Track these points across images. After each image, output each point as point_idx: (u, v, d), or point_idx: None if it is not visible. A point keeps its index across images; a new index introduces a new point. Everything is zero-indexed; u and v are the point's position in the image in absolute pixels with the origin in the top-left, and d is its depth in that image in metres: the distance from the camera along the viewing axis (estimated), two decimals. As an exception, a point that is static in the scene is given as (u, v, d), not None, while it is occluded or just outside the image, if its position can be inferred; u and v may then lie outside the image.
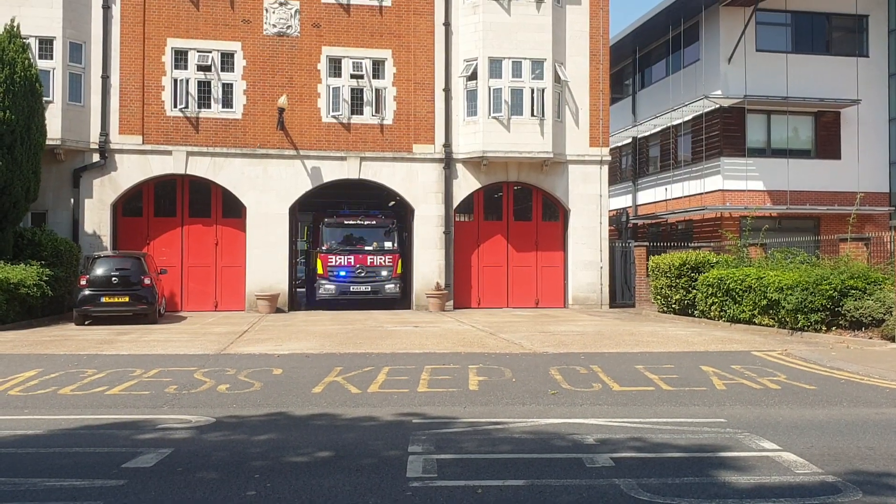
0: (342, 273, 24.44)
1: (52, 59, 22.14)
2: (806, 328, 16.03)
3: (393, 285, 24.58)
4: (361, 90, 24.37)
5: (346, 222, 25.25)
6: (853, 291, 15.66)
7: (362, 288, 24.40)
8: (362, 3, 24.36)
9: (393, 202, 26.70)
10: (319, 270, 24.79)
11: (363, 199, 27.58)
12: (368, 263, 24.54)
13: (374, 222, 25.28)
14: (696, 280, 20.40)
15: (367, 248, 24.84)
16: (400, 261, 24.93)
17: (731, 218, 27.03)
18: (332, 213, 25.37)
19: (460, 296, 25.11)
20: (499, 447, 6.75)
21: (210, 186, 24.03)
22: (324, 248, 24.69)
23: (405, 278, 25.03)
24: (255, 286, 23.60)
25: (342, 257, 24.53)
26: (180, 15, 23.53)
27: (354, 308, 24.06)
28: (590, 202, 25.36)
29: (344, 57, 24.23)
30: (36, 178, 20.02)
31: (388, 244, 24.97)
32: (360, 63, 24.16)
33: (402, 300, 25.17)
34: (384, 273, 24.60)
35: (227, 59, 23.78)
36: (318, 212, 26.22)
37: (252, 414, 8.24)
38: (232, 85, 23.80)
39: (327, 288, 24.39)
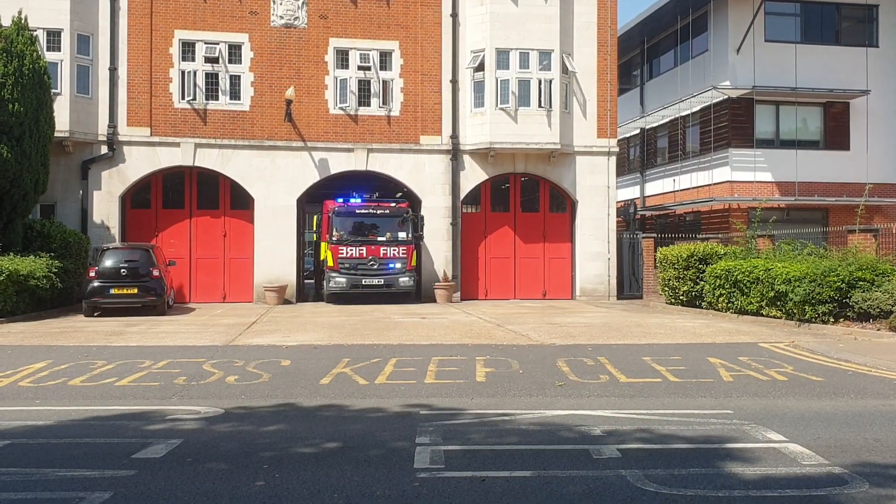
0: (354, 265, 22.90)
1: (59, 51, 22.20)
2: (813, 320, 16.00)
3: (407, 278, 23.11)
4: (369, 82, 24.35)
5: (357, 211, 23.62)
6: (861, 283, 15.61)
7: (375, 281, 22.87)
8: (369, -5, 24.34)
9: (400, 193, 26.66)
10: (329, 263, 23.14)
11: (370, 191, 27.44)
12: (381, 255, 22.96)
13: (387, 211, 23.68)
14: (703, 272, 20.37)
15: (380, 238, 23.24)
16: (415, 252, 23.53)
17: (739, 209, 26.95)
18: (343, 201, 23.84)
19: (468, 287, 25.13)
20: (506, 438, 6.78)
21: (218, 178, 24.09)
22: (334, 238, 23.07)
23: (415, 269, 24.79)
24: (262, 278, 23.67)
25: (353, 248, 22.89)
26: (187, 6, 23.54)
27: (366, 302, 22.93)
28: (597, 193, 25.32)
29: (351, 48, 24.22)
30: (45, 170, 20.10)
31: (402, 234, 23.32)
32: (368, 54, 24.15)
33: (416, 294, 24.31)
34: (398, 265, 23.02)
35: (234, 51, 23.80)
36: (328, 199, 24.65)
37: (260, 405, 8.29)
38: (239, 77, 23.82)
39: (338, 281, 22.83)
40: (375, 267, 22.94)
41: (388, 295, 23.30)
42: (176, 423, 7.42)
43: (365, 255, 22.95)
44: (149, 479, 5.60)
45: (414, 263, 23.48)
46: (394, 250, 23.09)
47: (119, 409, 8.09)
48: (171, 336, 14.66)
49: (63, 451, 6.37)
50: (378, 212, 23.69)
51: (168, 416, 7.77)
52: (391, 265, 23.03)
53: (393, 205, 23.94)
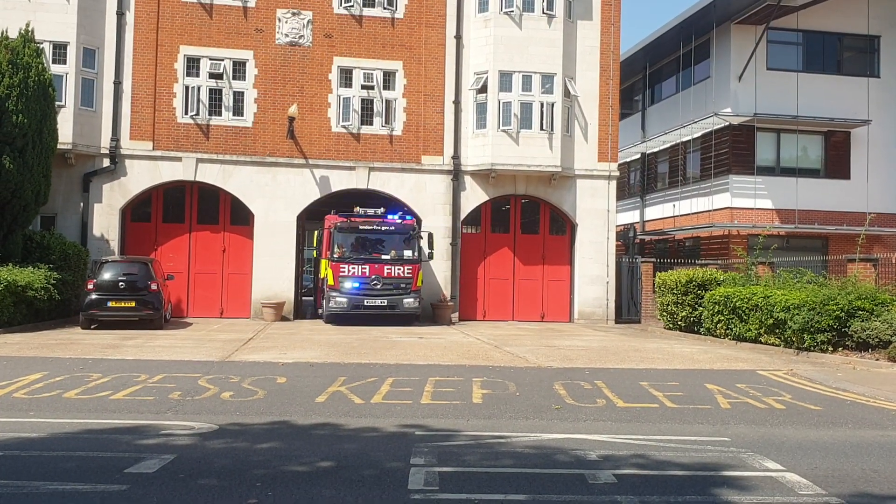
0: (356, 284, 21.62)
1: (65, 63, 22.30)
2: (812, 348, 15.96)
3: (412, 299, 21.90)
4: (372, 101, 24.44)
5: (361, 227, 22.29)
6: (860, 312, 15.59)
7: (378, 302, 21.64)
8: (375, 15, 24.49)
9: (400, 213, 26.62)
10: (330, 281, 21.78)
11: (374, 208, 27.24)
12: (385, 274, 21.75)
13: (392, 228, 22.41)
14: (702, 297, 20.34)
15: (384, 256, 22.05)
16: (420, 272, 22.43)
17: (738, 236, 26.98)
18: (346, 217, 22.53)
19: (466, 308, 25.10)
20: (501, 461, 6.73)
21: (219, 193, 24.12)
22: (335, 255, 21.84)
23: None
24: (260, 294, 23.63)
25: (356, 266, 21.71)
26: (193, 23, 23.68)
27: (369, 324, 21.52)
28: (597, 217, 25.35)
29: (355, 67, 24.33)
30: (46, 181, 20.13)
31: (407, 253, 22.16)
32: (371, 74, 24.26)
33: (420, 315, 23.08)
34: (402, 285, 21.81)
35: (238, 68, 23.91)
36: (329, 214, 23.27)
37: (255, 422, 8.24)
38: (243, 93, 23.92)
39: (338, 301, 21.53)
40: (379, 287, 21.71)
41: (398, 319, 22.14)
42: (170, 438, 7.38)
43: (368, 273, 21.76)
44: (141, 494, 5.56)
45: (420, 284, 22.43)
46: (399, 269, 21.94)
47: (113, 423, 8.05)
48: (167, 350, 14.61)
49: (56, 465, 6.33)
50: (383, 228, 22.43)
51: (162, 430, 7.73)
52: (396, 285, 21.85)
53: (399, 221, 22.72)
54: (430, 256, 23.14)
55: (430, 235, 23.06)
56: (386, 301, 21.76)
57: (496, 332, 20.54)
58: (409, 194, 24.61)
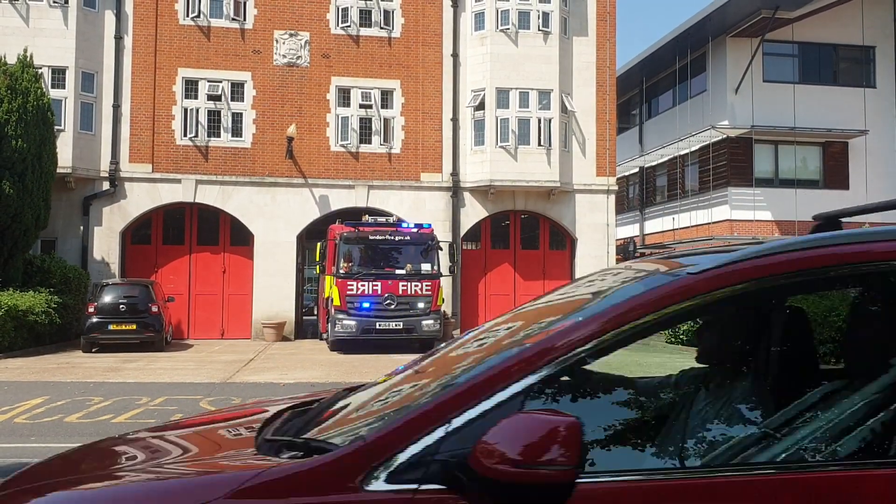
0: (366, 304, 18.95)
1: (64, 88, 22.39)
2: (815, 359, 15.90)
3: (432, 321, 19.14)
4: (370, 119, 24.53)
5: (371, 237, 19.61)
6: (862, 322, 15.53)
7: (392, 324, 18.93)
8: (372, 35, 24.62)
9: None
10: (336, 301, 19.08)
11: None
12: (400, 292, 19.08)
13: (407, 237, 19.77)
14: (703, 310, 20.25)
15: (398, 271, 19.39)
16: (441, 289, 19.91)
17: (738, 248, 26.95)
18: (354, 225, 20.02)
19: (467, 324, 25.02)
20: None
21: (218, 214, 24.15)
22: (342, 271, 19.18)
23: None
24: (261, 314, 23.61)
25: (366, 284, 19.01)
26: (191, 45, 23.80)
27: (381, 352, 18.88)
28: (597, 231, 25.37)
29: (353, 87, 24.43)
30: (46, 205, 20.16)
31: (425, 266, 19.53)
32: (369, 93, 24.36)
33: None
34: (420, 305, 19.19)
35: (237, 89, 24.00)
36: (334, 224, 20.81)
37: (257, 443, 8.19)
38: (241, 114, 24.00)
39: (346, 324, 18.78)
40: (393, 307, 19.03)
41: (416, 344, 19.12)
42: (171, 462, 7.33)
43: (380, 291, 19.05)
44: (142, 519, 5.51)
45: (440, 303, 19.99)
46: (416, 286, 19.27)
47: (114, 447, 8.00)
48: (168, 372, 14.58)
49: (56, 490, 6.29)
50: (397, 238, 19.77)
51: (163, 454, 7.68)
52: (413, 305, 19.23)
53: (415, 230, 20.11)
54: (452, 270, 20.98)
55: (451, 246, 20.93)
56: (402, 323, 19.06)
57: (498, 349, 20.35)
58: (408, 212, 24.62)
